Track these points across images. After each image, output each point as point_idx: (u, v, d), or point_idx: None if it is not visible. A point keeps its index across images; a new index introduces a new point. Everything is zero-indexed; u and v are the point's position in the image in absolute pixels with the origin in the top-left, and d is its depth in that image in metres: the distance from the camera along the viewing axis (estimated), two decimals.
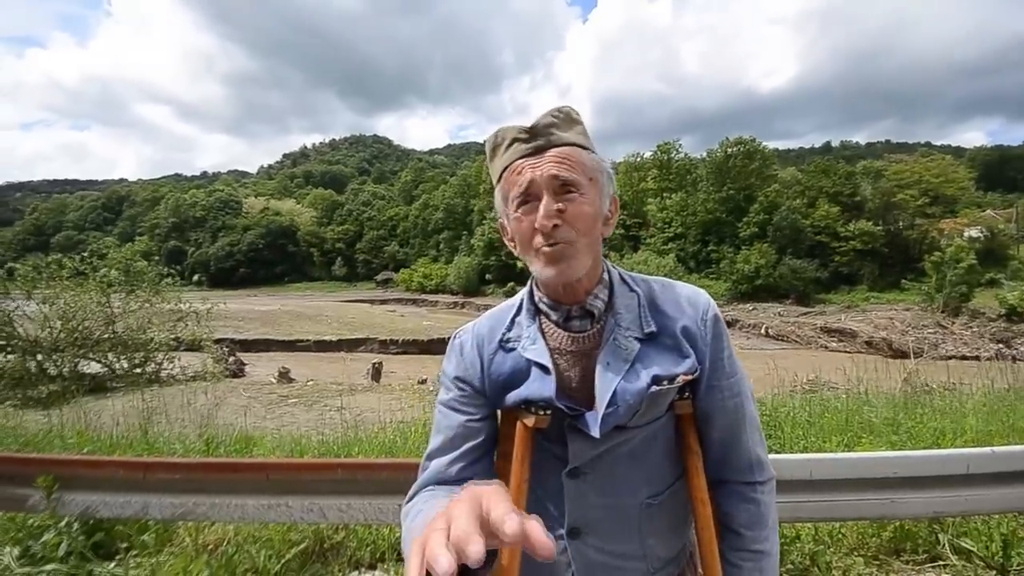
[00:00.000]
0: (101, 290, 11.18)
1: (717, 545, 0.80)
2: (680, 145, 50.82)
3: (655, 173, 50.20)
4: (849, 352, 19.15)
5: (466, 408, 0.83)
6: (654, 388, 0.75)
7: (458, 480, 0.79)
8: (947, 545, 2.36)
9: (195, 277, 65.61)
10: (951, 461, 2.11)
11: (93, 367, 10.85)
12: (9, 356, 10.19)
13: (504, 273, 45.58)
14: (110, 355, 11.07)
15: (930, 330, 23.10)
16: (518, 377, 0.80)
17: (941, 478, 2.12)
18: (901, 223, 36.57)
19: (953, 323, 24.33)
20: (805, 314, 29.79)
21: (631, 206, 48.64)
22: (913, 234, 35.82)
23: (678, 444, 0.84)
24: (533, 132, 0.75)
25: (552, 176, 0.73)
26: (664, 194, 47.63)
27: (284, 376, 12.79)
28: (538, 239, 0.74)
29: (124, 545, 2.52)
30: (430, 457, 0.83)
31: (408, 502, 0.80)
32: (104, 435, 4.13)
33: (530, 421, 0.77)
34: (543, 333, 0.81)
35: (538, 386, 0.77)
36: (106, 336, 11.07)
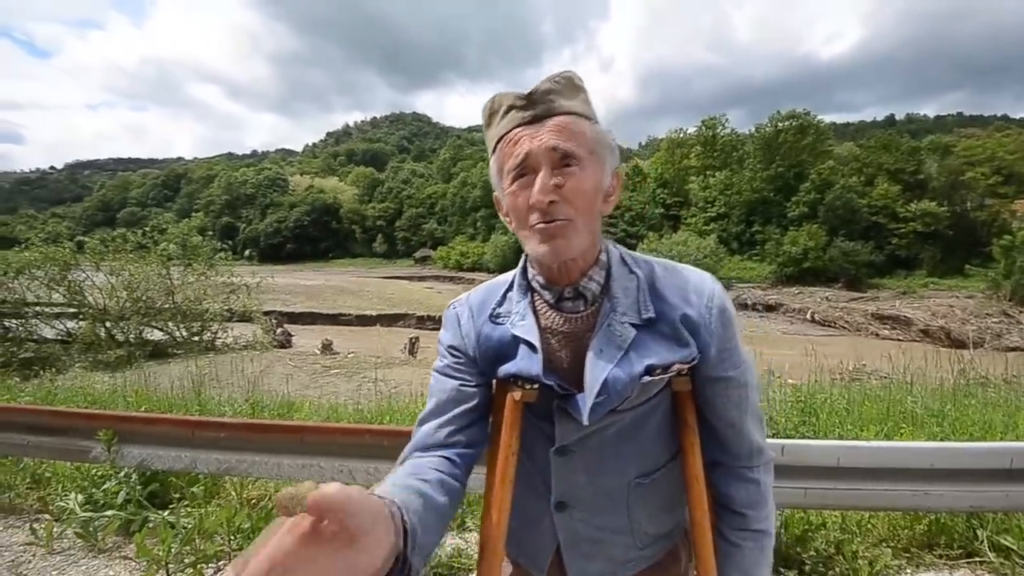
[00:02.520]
0: (162, 263, 11.92)
1: (711, 524, 0.79)
2: (726, 120, 48.77)
3: (699, 150, 48.35)
4: (902, 340, 18.16)
5: (459, 375, 0.83)
6: (647, 378, 0.72)
7: (446, 444, 0.78)
8: (985, 541, 2.26)
9: (246, 252, 68.57)
10: (994, 454, 2.01)
11: (155, 334, 11.64)
12: (81, 323, 11.08)
13: None
14: (170, 324, 11.83)
15: (994, 319, 21.54)
16: (506, 351, 0.79)
17: (981, 472, 2.03)
18: (969, 203, 33.95)
19: (1021, 312, 22.58)
20: (856, 299, 28.35)
21: (672, 184, 47.15)
22: (982, 215, 33.21)
23: (674, 421, 0.82)
24: (531, 99, 0.70)
25: (551, 148, 0.68)
26: (708, 172, 45.89)
27: (327, 348, 13.31)
28: (533, 216, 0.70)
29: (177, 496, 2.75)
30: (422, 422, 0.82)
31: (399, 464, 0.77)
32: (161, 396, 4.47)
33: (518, 395, 0.77)
34: (535, 311, 0.79)
35: (526, 364, 0.76)
36: (167, 306, 11.82)
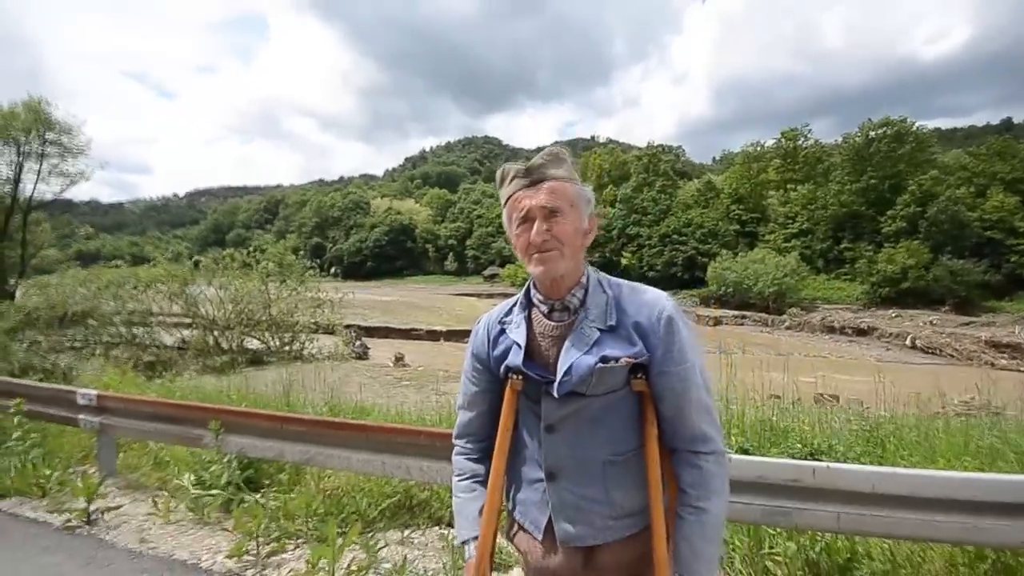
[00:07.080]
0: (261, 279, 13.31)
1: (661, 499, 1.01)
2: (809, 131, 45.85)
3: (778, 163, 45.73)
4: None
5: (477, 378, 1.16)
6: (600, 365, 0.98)
7: (475, 434, 1.19)
8: None
9: (332, 269, 73.07)
10: None
11: (254, 343, 12.97)
12: (194, 331, 12.63)
13: (605, 270, 44.50)
14: (266, 334, 13.13)
15: None
16: (507, 352, 1.08)
17: None
18: None
19: None
20: (967, 324, 25.33)
21: (748, 200, 44.79)
22: None
23: (640, 415, 1.06)
24: (529, 171, 1.02)
25: (543, 206, 0.99)
26: (788, 186, 43.24)
27: (399, 360, 14.10)
28: (532, 249, 1.01)
29: (267, 481, 3.21)
30: (460, 408, 1.21)
31: (456, 452, 1.22)
32: (257, 396, 5.12)
33: (511, 384, 1.08)
34: (531, 320, 1.09)
35: (514, 358, 1.06)
36: (264, 318, 13.13)
